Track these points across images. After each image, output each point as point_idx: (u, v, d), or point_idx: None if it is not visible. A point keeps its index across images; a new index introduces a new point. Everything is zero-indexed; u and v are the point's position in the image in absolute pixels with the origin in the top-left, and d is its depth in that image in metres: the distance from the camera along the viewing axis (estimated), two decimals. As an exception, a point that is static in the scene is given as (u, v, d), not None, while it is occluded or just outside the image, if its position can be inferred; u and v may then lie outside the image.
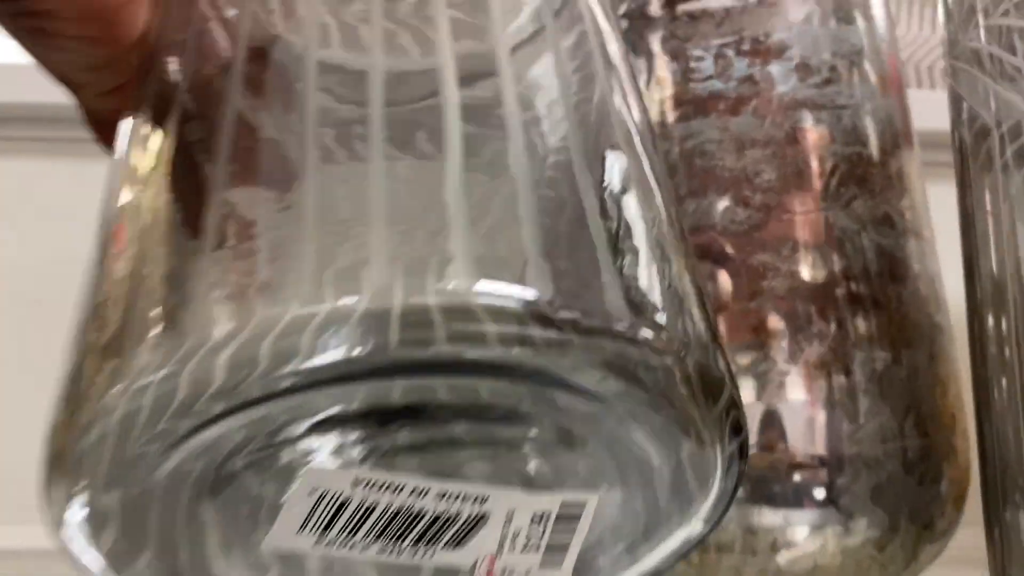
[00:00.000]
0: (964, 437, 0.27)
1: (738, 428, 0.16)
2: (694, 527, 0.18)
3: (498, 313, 0.13)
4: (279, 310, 0.13)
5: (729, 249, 0.26)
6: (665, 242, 0.16)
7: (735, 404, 0.16)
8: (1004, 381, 0.24)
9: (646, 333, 0.14)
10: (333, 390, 0.14)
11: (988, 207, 0.24)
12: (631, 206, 0.16)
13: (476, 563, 0.17)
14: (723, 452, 0.17)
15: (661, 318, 0.15)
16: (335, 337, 0.13)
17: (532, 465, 0.17)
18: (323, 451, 0.15)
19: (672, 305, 0.16)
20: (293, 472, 0.15)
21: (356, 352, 0.13)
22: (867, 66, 0.28)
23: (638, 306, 0.15)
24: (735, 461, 0.17)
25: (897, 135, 0.28)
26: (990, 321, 0.24)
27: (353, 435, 0.15)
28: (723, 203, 0.26)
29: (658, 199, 0.17)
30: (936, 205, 0.29)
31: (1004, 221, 0.23)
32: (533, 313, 0.14)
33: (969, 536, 0.27)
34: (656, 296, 0.15)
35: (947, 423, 0.26)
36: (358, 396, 0.14)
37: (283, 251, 0.14)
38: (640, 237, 0.16)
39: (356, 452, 0.15)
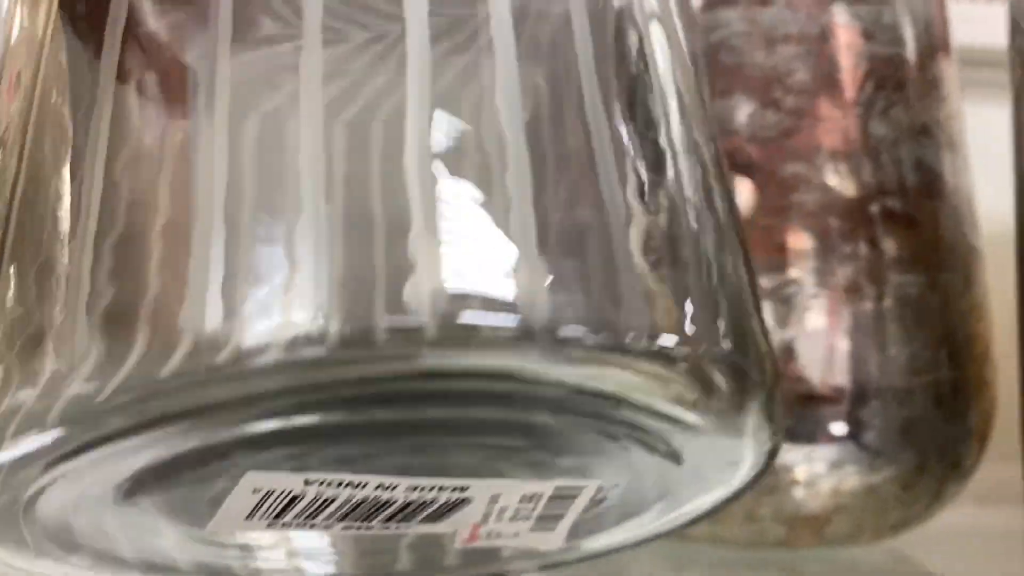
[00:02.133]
0: (995, 369, 0.25)
1: (774, 428, 0.14)
2: (716, 493, 0.16)
3: (488, 338, 0.11)
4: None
5: (756, 158, 0.23)
6: (705, 231, 0.14)
7: (770, 401, 0.14)
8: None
9: (667, 342, 0.12)
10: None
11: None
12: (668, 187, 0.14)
13: (457, 530, 0.15)
14: (756, 447, 0.15)
15: (689, 328, 0.13)
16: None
17: (523, 460, 0.14)
18: (267, 455, 0.12)
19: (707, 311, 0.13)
20: (232, 472, 0.12)
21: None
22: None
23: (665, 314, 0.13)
24: (767, 455, 0.15)
25: (936, 39, 0.26)
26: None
27: (301, 448, 0.13)
28: (750, 106, 0.23)
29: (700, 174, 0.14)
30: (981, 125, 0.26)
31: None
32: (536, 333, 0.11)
33: (994, 472, 0.25)
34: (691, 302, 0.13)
35: (981, 353, 0.24)
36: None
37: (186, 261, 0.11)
38: (677, 225, 0.14)
39: (308, 460, 0.13)
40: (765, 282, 0.23)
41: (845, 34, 0.24)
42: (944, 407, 0.23)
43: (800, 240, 0.23)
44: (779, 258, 0.23)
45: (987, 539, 0.27)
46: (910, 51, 0.25)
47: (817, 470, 0.23)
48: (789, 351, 0.23)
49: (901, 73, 0.24)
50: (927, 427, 0.23)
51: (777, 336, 0.23)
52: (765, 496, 0.23)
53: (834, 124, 0.23)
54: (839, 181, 0.23)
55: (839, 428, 0.23)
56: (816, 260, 0.23)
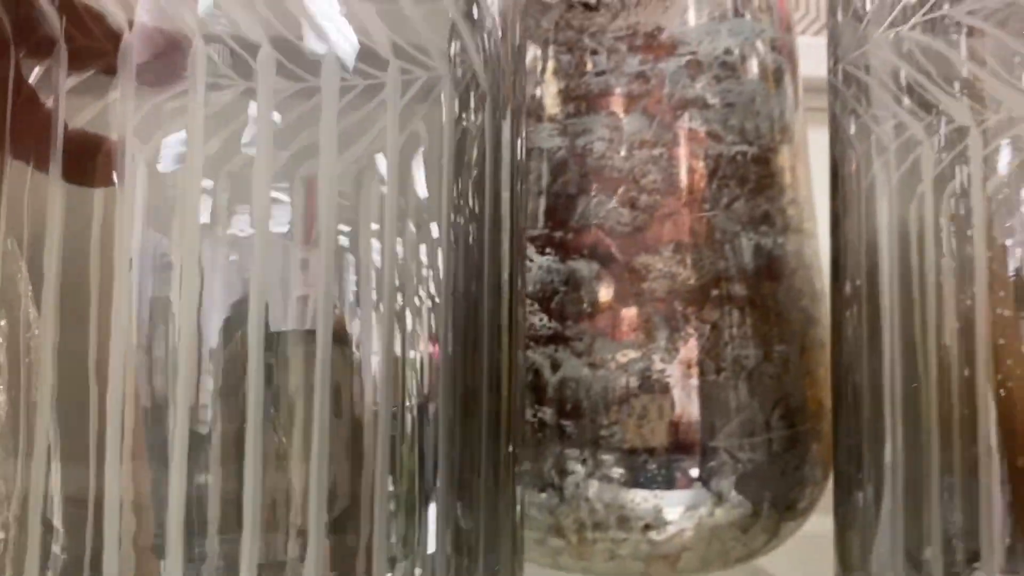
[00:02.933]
0: (829, 421, 0.29)
1: None
2: None
3: None
4: None
5: (614, 250, 0.27)
6: None
7: None
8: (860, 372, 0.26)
9: None
10: None
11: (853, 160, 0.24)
12: None
13: None
14: None
15: None
16: None
17: None
18: None
19: None
20: None
21: None
22: (760, 61, 0.29)
23: None
24: None
25: (785, 129, 0.29)
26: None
27: None
28: (610, 204, 0.27)
29: None
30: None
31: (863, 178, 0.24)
32: None
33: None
34: None
35: (814, 411, 0.28)
36: None
37: None
38: None
39: None
40: (622, 357, 0.27)
41: (694, 137, 0.27)
42: (777, 462, 0.27)
43: (651, 322, 0.27)
44: (635, 337, 0.27)
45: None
46: (757, 145, 0.28)
47: (667, 516, 0.27)
48: (648, 413, 0.27)
49: (744, 169, 0.28)
50: (762, 479, 0.27)
51: (641, 401, 0.27)
52: (622, 539, 0.27)
53: (681, 219, 0.27)
54: (684, 270, 0.27)
55: (687, 479, 0.27)
56: (664, 339, 0.26)
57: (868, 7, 0.23)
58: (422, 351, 0.18)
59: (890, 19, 0.22)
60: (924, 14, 0.21)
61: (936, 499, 0.21)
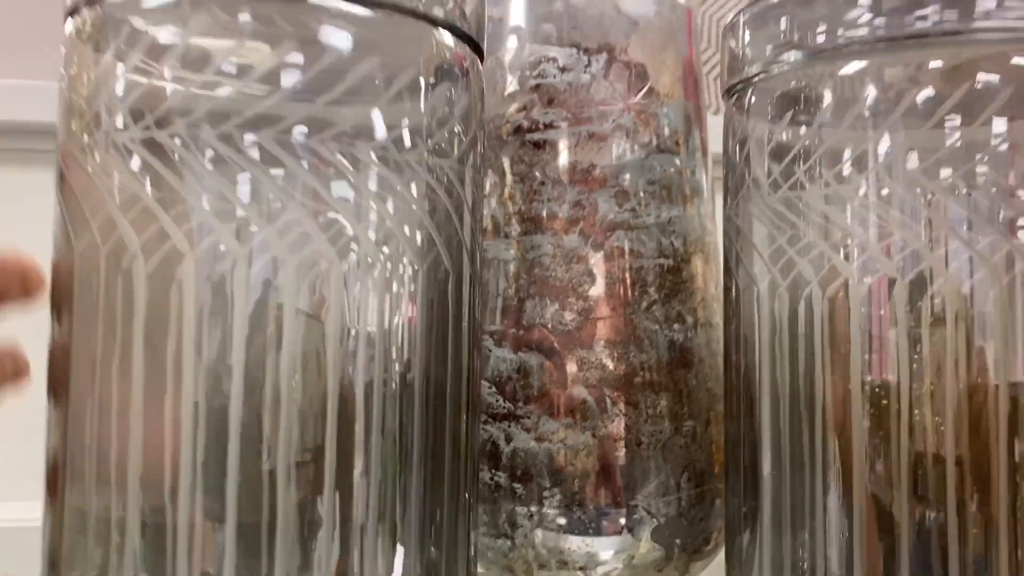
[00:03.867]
0: (731, 481, 0.36)
1: None
2: None
3: None
4: None
5: (556, 345, 0.33)
6: None
7: None
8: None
9: None
10: None
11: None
12: None
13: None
14: None
15: None
16: None
17: None
18: None
19: None
20: None
21: None
22: (679, 188, 0.35)
23: None
24: None
25: (699, 244, 0.36)
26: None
27: None
28: (553, 307, 0.34)
29: None
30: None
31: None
32: None
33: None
34: None
35: (717, 473, 0.35)
36: None
37: None
38: None
39: None
40: (562, 432, 0.33)
41: (620, 254, 0.34)
42: (686, 516, 0.34)
43: (585, 404, 0.33)
44: (572, 417, 0.33)
45: None
46: (671, 260, 0.35)
47: (599, 558, 0.33)
48: (583, 477, 0.33)
49: (662, 279, 0.34)
50: (673, 530, 0.34)
51: (577, 467, 0.33)
52: (562, 574, 0.33)
53: (610, 321, 0.33)
54: (612, 362, 0.33)
55: (614, 528, 0.33)
56: (595, 418, 0.33)
57: (745, 178, 0.29)
58: (403, 421, 0.24)
59: (766, 185, 0.29)
60: (788, 188, 0.28)
61: (796, 542, 0.28)
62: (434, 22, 0.25)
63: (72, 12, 0.25)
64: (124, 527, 0.23)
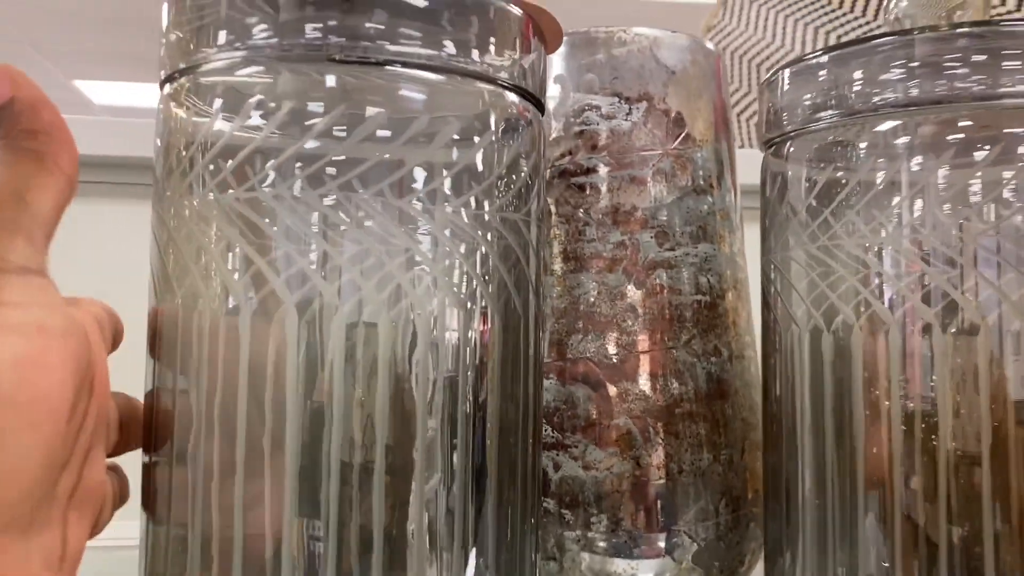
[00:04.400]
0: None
1: None
2: None
3: None
4: None
5: (601, 377, 0.35)
6: None
7: None
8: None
9: None
10: None
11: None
12: None
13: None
14: None
15: None
16: None
17: None
18: None
19: None
20: None
21: None
22: (714, 229, 0.37)
23: None
24: None
25: (733, 280, 0.38)
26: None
27: None
28: (598, 342, 0.36)
29: None
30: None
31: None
32: None
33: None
34: None
35: (752, 499, 0.37)
36: None
37: None
38: None
39: None
40: (608, 460, 0.35)
41: (660, 291, 0.36)
42: (723, 539, 0.36)
43: (630, 434, 0.35)
44: (617, 446, 0.35)
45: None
46: (708, 297, 0.37)
47: (641, 581, 0.35)
48: (626, 504, 0.35)
49: (699, 314, 0.36)
50: (712, 553, 0.35)
51: (622, 495, 0.35)
52: (607, 599, 0.35)
53: (652, 355, 0.35)
54: (654, 394, 0.35)
55: (656, 552, 0.35)
56: (638, 447, 0.35)
57: (785, 224, 0.31)
58: (482, 451, 0.26)
59: (807, 234, 0.31)
60: (828, 238, 0.30)
61: (836, 563, 0.30)
62: (501, 84, 0.27)
63: (168, 80, 0.27)
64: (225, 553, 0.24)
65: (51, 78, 3.94)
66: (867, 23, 0.84)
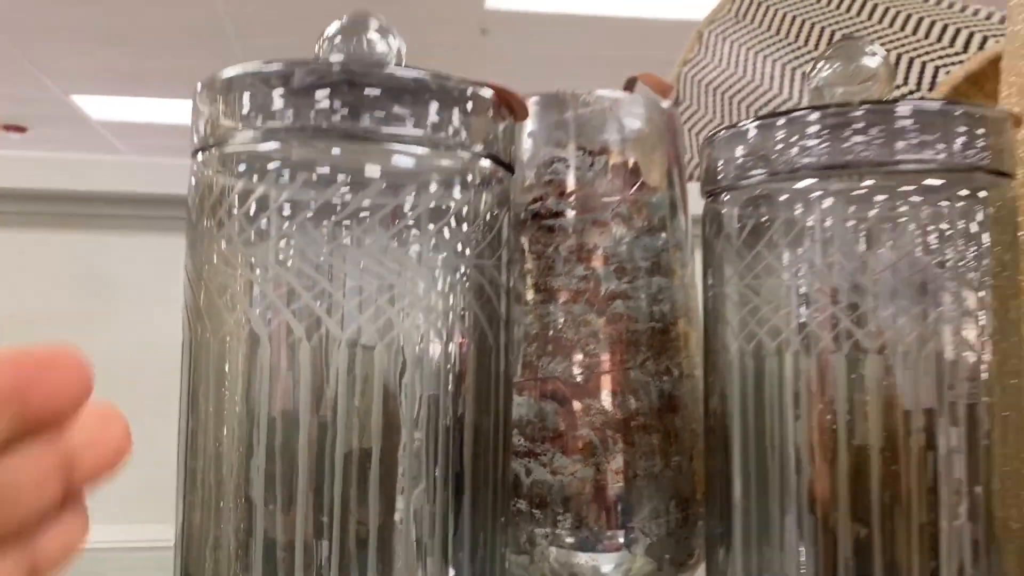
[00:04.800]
0: (710, 506, 0.43)
1: None
2: None
3: None
4: None
5: (568, 395, 0.41)
6: None
7: None
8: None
9: None
10: None
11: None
12: None
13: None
14: None
15: None
16: None
17: None
18: None
19: None
20: None
21: None
22: (666, 263, 0.43)
23: None
24: None
25: (684, 308, 0.43)
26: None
27: None
28: (565, 363, 0.41)
29: None
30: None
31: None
32: None
33: (710, 566, 0.43)
34: None
35: (699, 499, 0.42)
36: None
37: None
38: None
39: None
40: (573, 467, 0.40)
41: (619, 319, 0.41)
42: (673, 535, 0.41)
43: (591, 444, 0.40)
44: (581, 454, 0.40)
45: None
46: (661, 324, 0.42)
47: (602, 571, 0.40)
48: (592, 504, 0.40)
49: (653, 339, 0.42)
50: (663, 546, 0.41)
51: (585, 496, 0.40)
52: (572, 588, 0.40)
53: (611, 375, 0.41)
54: (613, 408, 0.41)
55: (615, 546, 0.40)
56: (598, 455, 0.40)
57: (721, 264, 0.37)
58: (459, 459, 0.31)
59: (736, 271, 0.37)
60: (752, 277, 0.36)
61: (763, 557, 0.35)
62: (475, 153, 0.33)
63: (199, 150, 0.32)
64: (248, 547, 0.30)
65: (49, 94, 3.99)
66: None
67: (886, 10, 0.83)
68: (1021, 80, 0.44)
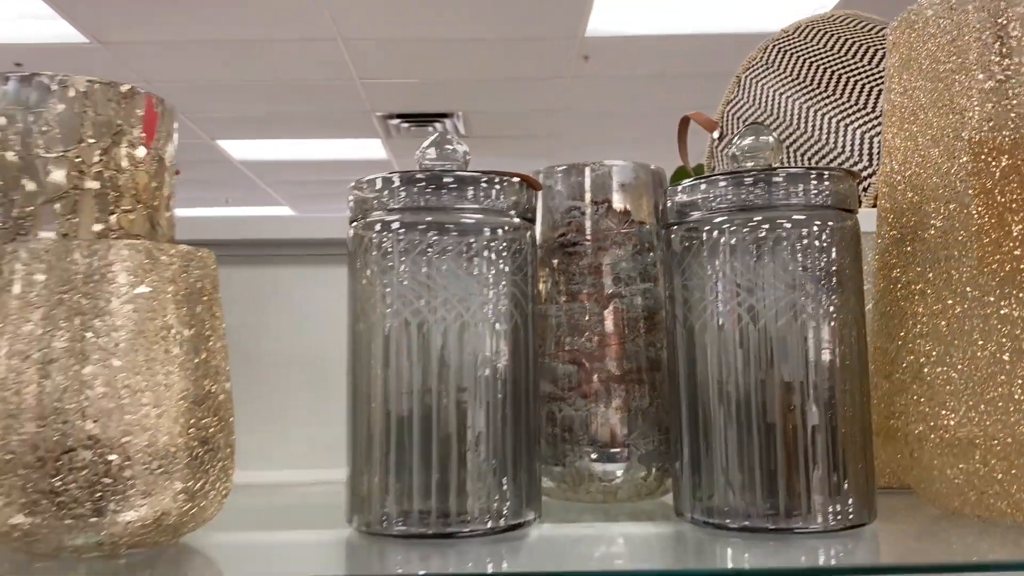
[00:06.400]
0: (687, 434, 0.64)
1: None
2: None
3: None
4: None
5: (584, 360, 0.63)
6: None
7: None
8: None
9: None
10: None
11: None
12: None
13: None
14: None
15: None
16: None
17: None
18: None
19: None
20: None
21: None
22: (651, 272, 0.64)
23: None
24: None
25: (662, 303, 0.65)
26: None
27: None
28: (582, 340, 0.63)
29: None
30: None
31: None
32: None
33: (688, 475, 0.64)
34: None
35: (675, 428, 0.63)
36: None
37: None
38: None
39: None
40: (591, 406, 0.62)
41: (618, 312, 0.63)
42: (657, 450, 0.63)
43: (600, 391, 0.62)
44: (594, 398, 0.62)
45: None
46: (646, 313, 0.64)
47: (613, 475, 0.62)
48: (603, 430, 0.62)
49: (642, 323, 0.64)
50: (651, 457, 0.62)
51: (597, 424, 0.62)
52: (592, 486, 0.62)
53: (613, 347, 0.63)
54: (616, 369, 0.62)
55: (619, 457, 0.62)
56: (607, 398, 0.62)
57: (671, 266, 0.59)
58: (509, 402, 0.54)
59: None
60: (685, 278, 0.57)
61: (710, 465, 0.56)
62: (509, 215, 0.55)
63: (354, 220, 0.57)
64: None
65: (197, 139, 4.47)
66: (842, 103, 1.10)
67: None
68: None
